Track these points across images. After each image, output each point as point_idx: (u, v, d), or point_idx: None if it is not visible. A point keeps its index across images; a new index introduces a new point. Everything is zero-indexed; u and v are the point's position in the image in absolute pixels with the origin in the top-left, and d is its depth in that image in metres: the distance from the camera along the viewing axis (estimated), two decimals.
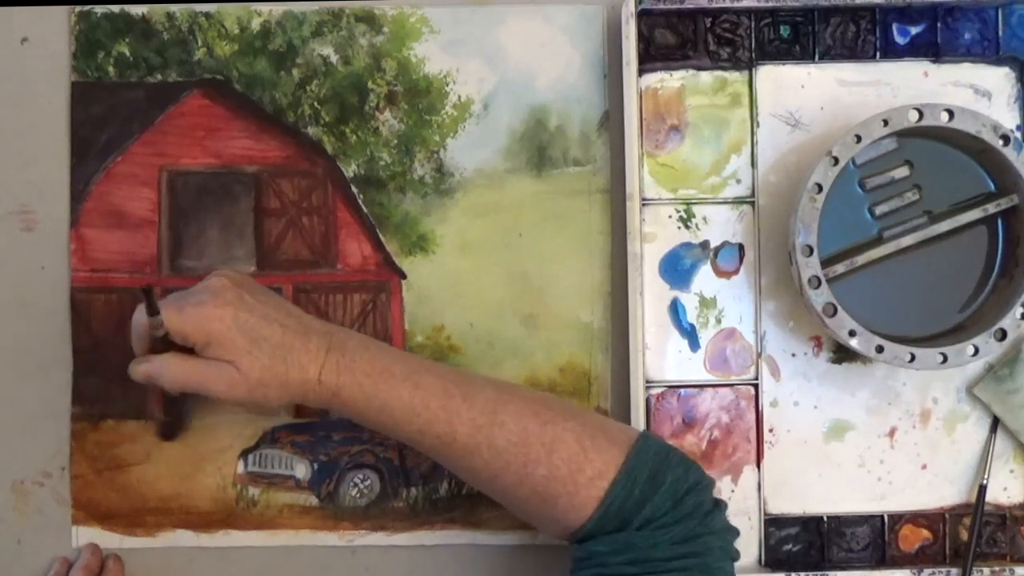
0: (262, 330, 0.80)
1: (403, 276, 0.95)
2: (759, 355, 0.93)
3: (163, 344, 0.81)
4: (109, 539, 0.94)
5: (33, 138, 0.94)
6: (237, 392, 0.80)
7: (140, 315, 0.82)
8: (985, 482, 0.92)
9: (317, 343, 0.81)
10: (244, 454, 0.94)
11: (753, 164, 0.93)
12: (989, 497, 0.93)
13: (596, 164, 0.95)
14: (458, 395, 0.81)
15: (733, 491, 0.93)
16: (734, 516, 0.87)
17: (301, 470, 0.94)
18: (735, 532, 0.81)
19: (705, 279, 0.94)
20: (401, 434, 0.82)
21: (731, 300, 0.94)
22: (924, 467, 0.93)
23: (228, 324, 0.80)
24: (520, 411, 0.80)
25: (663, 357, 0.93)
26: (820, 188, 0.85)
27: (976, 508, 0.92)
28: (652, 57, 0.93)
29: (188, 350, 0.81)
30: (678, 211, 0.93)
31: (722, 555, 0.79)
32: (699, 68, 0.93)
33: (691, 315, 0.94)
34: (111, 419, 0.94)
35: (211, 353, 0.80)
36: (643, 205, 0.93)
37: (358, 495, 0.94)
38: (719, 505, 0.80)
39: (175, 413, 0.93)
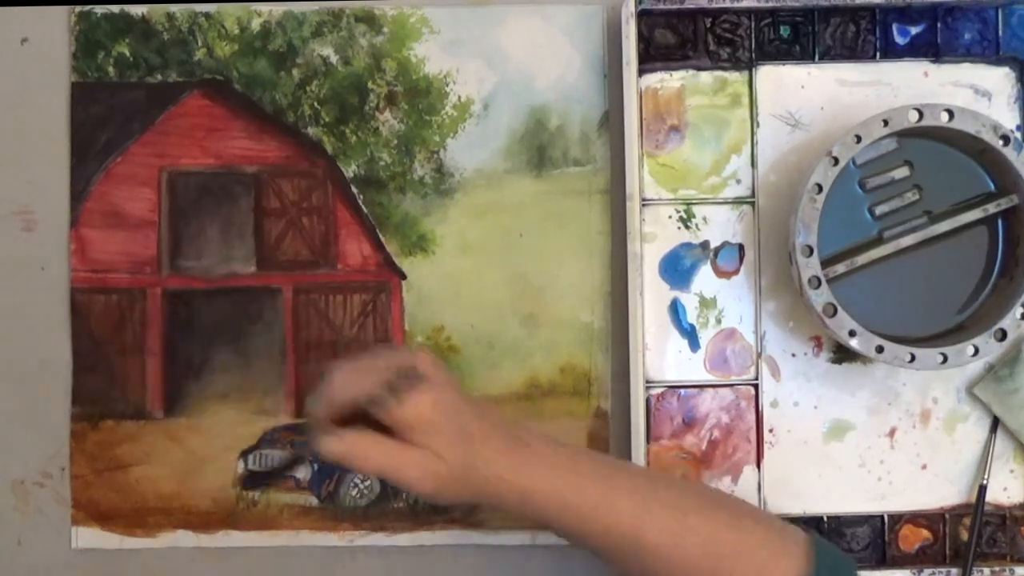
0: (469, 421, 0.77)
1: (403, 276, 0.95)
2: (759, 355, 0.93)
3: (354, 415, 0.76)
4: (109, 540, 0.94)
5: (33, 138, 0.94)
6: (425, 486, 0.75)
7: (349, 378, 0.76)
8: (985, 482, 0.92)
9: (505, 441, 0.78)
10: (244, 454, 0.94)
11: (753, 164, 0.93)
12: (989, 497, 0.92)
13: (596, 164, 0.95)
14: (647, 495, 0.79)
15: (733, 491, 0.93)
16: None
17: (301, 470, 0.94)
18: None
19: (705, 279, 0.94)
20: (587, 535, 0.79)
21: (731, 300, 0.94)
22: (924, 467, 0.93)
23: (443, 418, 0.75)
24: (709, 517, 0.78)
25: (663, 357, 0.93)
26: (820, 188, 0.85)
27: (976, 508, 0.92)
28: (652, 57, 0.93)
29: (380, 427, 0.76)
30: (678, 211, 0.93)
31: None
32: (699, 68, 0.93)
33: (691, 315, 0.94)
34: (111, 419, 0.94)
35: (414, 438, 0.75)
36: (643, 205, 0.93)
37: (358, 495, 0.94)
38: None
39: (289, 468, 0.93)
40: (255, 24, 0.94)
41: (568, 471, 0.78)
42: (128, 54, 0.94)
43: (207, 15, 0.94)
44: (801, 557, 0.77)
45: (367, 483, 0.94)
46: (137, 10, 0.94)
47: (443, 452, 0.75)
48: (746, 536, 0.78)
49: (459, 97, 0.95)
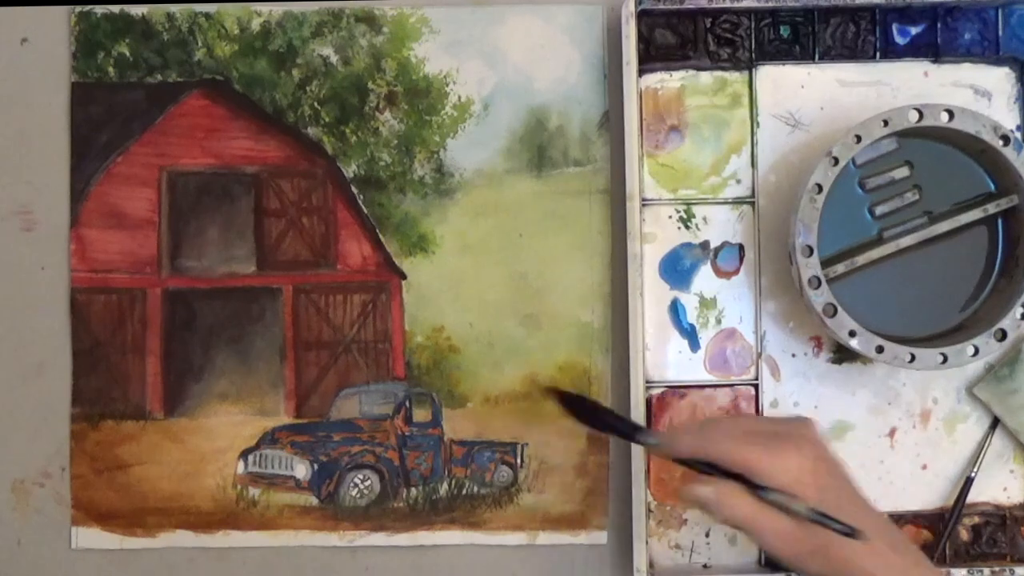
0: (841, 498, 0.75)
1: (403, 276, 0.95)
2: (759, 355, 0.93)
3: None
4: (109, 540, 0.94)
5: (33, 139, 0.94)
6: (787, 550, 0.74)
7: (729, 448, 0.74)
8: (973, 475, 0.92)
9: (880, 535, 0.75)
10: (244, 454, 0.94)
11: (753, 164, 0.93)
12: (989, 497, 0.93)
13: (596, 164, 0.95)
14: None
15: None
16: None
17: (301, 470, 0.94)
18: None
19: (705, 279, 0.94)
20: None
21: (731, 300, 0.94)
22: (924, 467, 0.93)
23: (814, 487, 0.73)
24: None
25: (663, 357, 0.93)
26: (820, 188, 0.85)
27: (959, 499, 0.92)
28: (652, 57, 0.93)
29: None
30: (678, 211, 0.93)
31: None
32: (699, 68, 0.93)
33: (691, 315, 0.94)
34: (111, 419, 0.94)
35: (776, 496, 0.74)
36: (643, 205, 0.93)
37: (358, 495, 0.94)
38: None
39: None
40: (255, 24, 0.94)
41: None
42: (128, 54, 0.94)
43: (207, 15, 0.94)
44: None
45: (367, 483, 0.94)
46: (137, 10, 0.94)
47: (809, 527, 0.73)
48: None
49: (459, 97, 0.95)
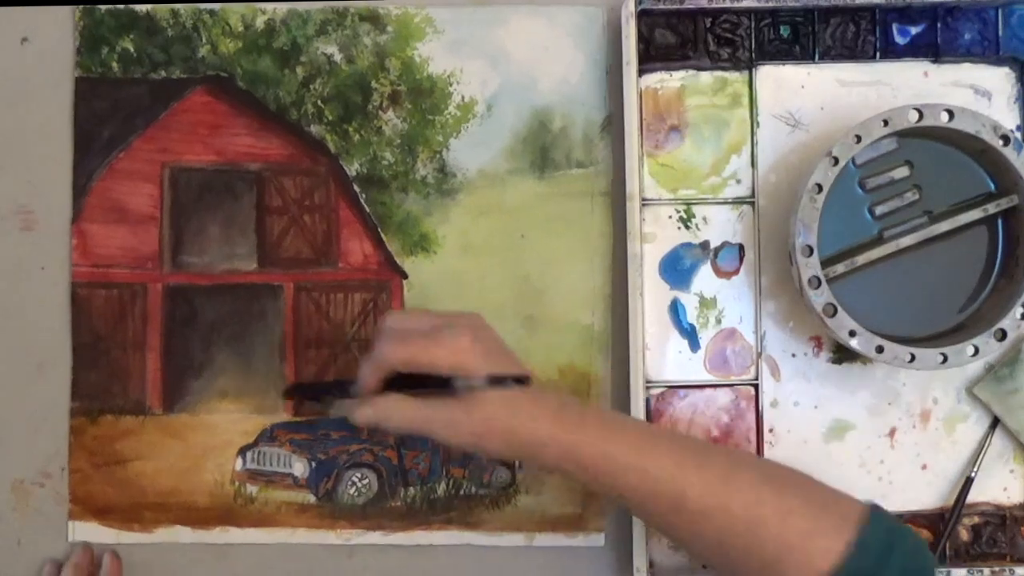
0: (501, 358, 0.79)
1: (404, 276, 0.95)
2: (759, 355, 0.93)
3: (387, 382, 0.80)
4: (106, 534, 0.94)
5: (34, 137, 0.95)
6: (461, 435, 0.78)
7: (397, 347, 0.79)
8: (973, 475, 0.92)
9: (549, 401, 0.80)
10: (242, 451, 0.94)
11: (753, 164, 0.94)
12: (989, 497, 0.93)
13: (598, 166, 0.95)
14: (693, 457, 0.79)
15: None
16: None
17: (299, 468, 0.94)
18: None
19: (705, 279, 0.94)
20: (632, 495, 0.79)
21: (731, 300, 0.94)
22: (924, 467, 0.93)
23: (480, 360, 0.78)
24: (753, 479, 0.78)
25: (663, 357, 0.93)
26: (820, 188, 0.85)
27: (959, 499, 0.92)
28: (652, 57, 0.93)
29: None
30: (678, 211, 0.94)
31: None
32: (699, 68, 0.94)
33: (691, 315, 0.93)
34: (110, 414, 0.94)
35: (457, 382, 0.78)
36: (643, 205, 0.93)
37: (356, 494, 0.94)
38: None
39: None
40: (259, 22, 0.95)
41: (616, 432, 0.79)
42: (132, 50, 0.95)
43: (211, 12, 0.95)
44: (850, 523, 0.76)
45: (365, 482, 0.94)
46: (141, 6, 0.95)
47: (475, 406, 0.77)
48: (792, 501, 0.77)
49: (462, 97, 0.95)
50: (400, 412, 0.79)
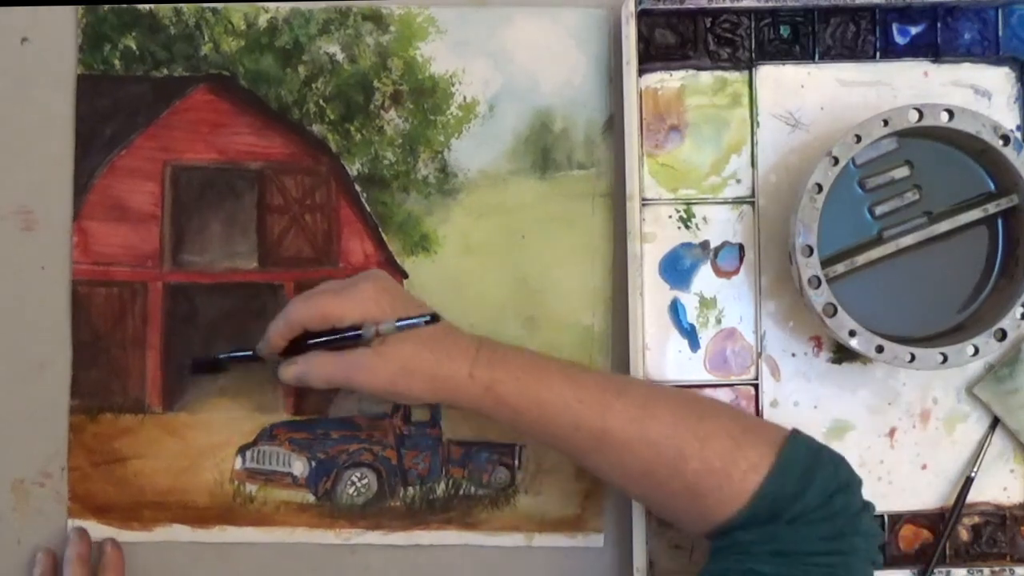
0: (407, 304, 0.83)
1: (405, 276, 0.95)
2: (759, 355, 0.93)
3: (296, 344, 0.84)
4: (105, 533, 0.94)
5: (34, 137, 0.95)
6: (379, 379, 0.81)
7: (305, 305, 0.83)
8: (973, 475, 0.92)
9: (468, 339, 0.83)
10: (242, 450, 0.94)
11: (753, 164, 0.94)
12: (989, 497, 0.93)
13: (600, 168, 0.95)
14: (612, 389, 0.81)
15: None
16: None
17: (298, 467, 0.94)
18: (880, 537, 0.80)
19: (705, 279, 0.94)
20: (555, 431, 0.81)
21: (731, 300, 0.94)
22: (924, 467, 0.93)
23: (385, 308, 0.81)
24: (673, 406, 0.80)
25: (663, 357, 0.93)
26: (820, 188, 0.85)
27: (959, 499, 0.92)
28: (652, 57, 0.94)
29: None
30: (678, 211, 0.94)
31: (865, 557, 0.78)
32: (699, 68, 0.94)
33: (691, 315, 0.93)
34: (109, 412, 0.94)
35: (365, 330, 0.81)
36: (643, 205, 0.93)
37: (355, 493, 0.94)
38: (867, 507, 0.80)
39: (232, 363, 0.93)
40: (262, 20, 0.95)
41: (536, 368, 0.81)
42: (134, 48, 0.95)
43: (214, 10, 0.95)
44: (770, 445, 0.78)
45: (364, 481, 0.94)
46: (144, 4, 0.95)
47: (388, 350, 0.80)
48: (712, 426, 0.79)
49: (464, 97, 0.95)
50: (321, 367, 0.82)
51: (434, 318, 0.78)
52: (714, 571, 0.78)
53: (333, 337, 0.82)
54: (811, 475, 0.77)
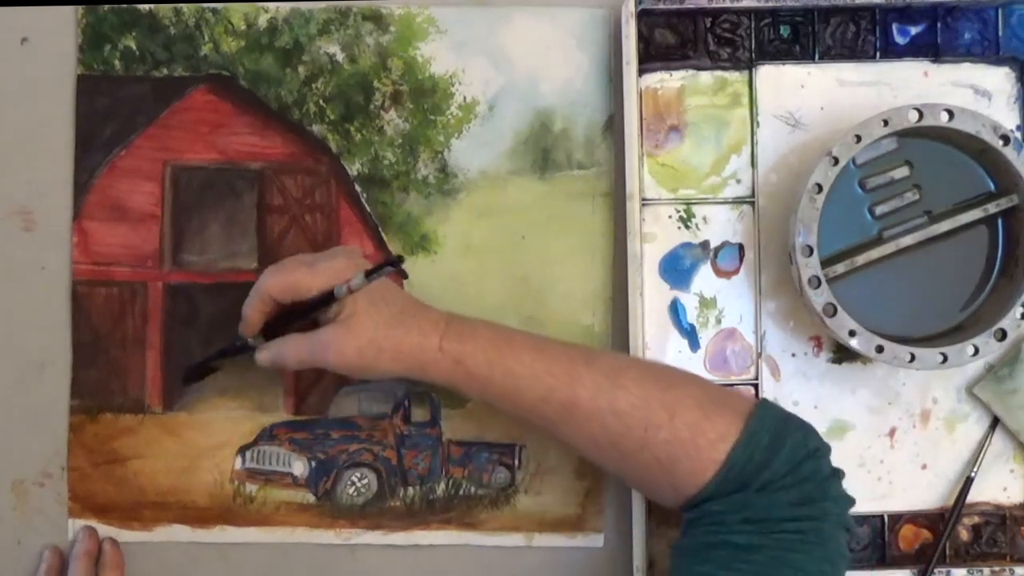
0: (384, 294, 0.83)
1: (405, 276, 0.95)
2: (759, 355, 0.93)
3: (273, 326, 0.85)
4: (105, 533, 0.94)
5: (34, 137, 0.95)
6: (348, 354, 0.81)
7: (276, 275, 0.83)
8: (973, 475, 0.92)
9: (437, 314, 0.84)
10: (242, 450, 0.94)
11: (753, 164, 0.94)
12: (989, 497, 0.93)
13: (600, 168, 0.95)
14: (580, 361, 0.81)
15: None
16: None
17: (298, 467, 0.94)
18: (851, 502, 0.80)
19: (705, 279, 0.94)
20: (523, 403, 0.81)
21: (731, 300, 0.94)
22: (924, 467, 0.93)
23: (351, 259, 0.83)
24: (641, 376, 0.80)
25: (663, 357, 0.93)
26: (820, 188, 0.85)
27: (959, 499, 0.92)
28: (652, 57, 0.94)
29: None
30: (678, 211, 0.94)
31: (836, 522, 0.78)
32: (699, 68, 0.94)
33: (691, 315, 0.94)
34: (109, 412, 0.94)
35: (330, 314, 0.82)
36: (643, 205, 0.93)
37: (355, 493, 0.94)
38: (836, 473, 0.80)
39: (221, 360, 0.93)
40: (262, 20, 0.95)
41: (504, 340, 0.82)
42: (135, 48, 0.95)
43: (214, 11, 0.95)
44: (738, 414, 0.78)
45: (364, 481, 0.94)
46: (144, 4, 0.95)
47: (358, 325, 0.81)
48: (680, 396, 0.79)
49: (464, 98, 0.95)
50: (293, 348, 0.83)
51: (400, 259, 0.78)
52: (688, 544, 0.79)
53: (306, 307, 0.82)
54: (779, 443, 0.77)
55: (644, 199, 0.93)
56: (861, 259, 0.88)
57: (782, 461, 0.76)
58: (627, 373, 0.80)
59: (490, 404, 0.83)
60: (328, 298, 0.81)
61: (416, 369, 0.82)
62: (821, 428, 0.91)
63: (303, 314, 0.83)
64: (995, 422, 0.92)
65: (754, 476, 0.76)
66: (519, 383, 0.81)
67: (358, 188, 0.95)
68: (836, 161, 0.86)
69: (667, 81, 0.94)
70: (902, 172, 0.89)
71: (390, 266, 0.77)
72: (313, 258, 0.84)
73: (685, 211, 0.94)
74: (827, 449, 0.80)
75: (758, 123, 0.94)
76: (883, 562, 0.92)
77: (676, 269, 0.94)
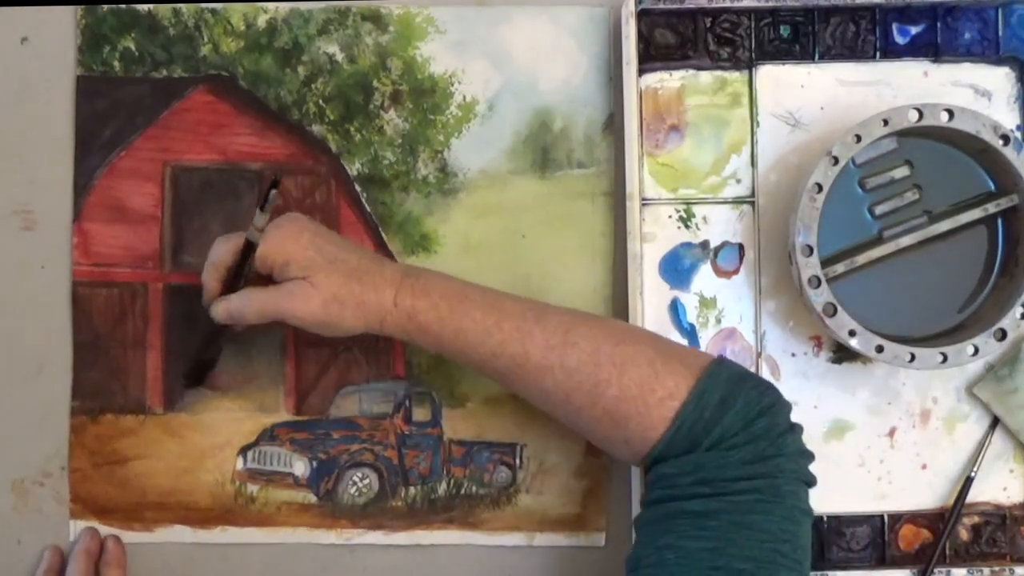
0: (339, 253, 0.83)
1: (276, 186, 0.94)
2: (759, 355, 0.93)
3: (234, 281, 0.85)
4: (107, 533, 0.94)
5: (34, 137, 0.95)
6: (312, 307, 0.81)
7: (223, 243, 0.85)
8: (973, 475, 0.92)
9: (392, 269, 0.84)
10: (243, 451, 0.94)
11: (753, 164, 0.94)
12: (989, 497, 0.93)
13: (600, 167, 0.95)
14: (531, 317, 0.82)
15: None
16: None
17: (300, 468, 0.94)
18: (810, 456, 0.79)
19: (705, 279, 0.94)
20: (475, 357, 0.82)
21: (731, 300, 0.94)
22: (924, 467, 0.93)
23: (305, 244, 0.82)
24: (593, 333, 0.81)
25: None
26: (820, 188, 0.85)
27: (959, 499, 0.92)
28: (652, 57, 0.94)
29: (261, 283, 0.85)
30: (678, 211, 0.94)
31: (793, 478, 0.77)
32: (699, 68, 0.94)
33: (691, 315, 0.94)
34: (110, 413, 0.94)
35: (288, 273, 0.82)
36: (643, 205, 0.93)
37: (356, 493, 0.94)
38: (793, 428, 0.79)
39: (211, 352, 0.93)
40: (261, 21, 0.95)
41: (457, 295, 0.83)
42: (134, 49, 0.95)
43: (213, 11, 0.95)
44: (689, 372, 0.78)
45: (365, 481, 0.94)
46: (143, 5, 0.95)
47: (313, 278, 0.81)
48: (632, 353, 0.79)
49: (464, 97, 0.95)
50: (252, 302, 0.83)
51: (277, 177, 0.80)
52: (648, 516, 0.79)
53: (240, 260, 0.84)
54: (731, 400, 0.77)
55: (644, 199, 0.93)
56: (861, 259, 0.88)
57: (733, 418, 0.76)
58: (578, 330, 0.81)
59: (446, 357, 0.85)
60: (250, 247, 0.83)
61: (375, 324, 0.83)
62: (821, 428, 0.93)
63: (239, 269, 0.84)
64: (995, 422, 0.92)
65: (704, 435, 0.76)
66: (470, 339, 0.82)
67: (358, 188, 0.95)
68: (836, 161, 0.85)
69: (667, 81, 0.94)
70: (902, 172, 0.89)
71: (273, 188, 0.80)
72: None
73: (685, 211, 0.94)
74: (785, 406, 0.80)
75: (758, 123, 0.94)
76: (883, 562, 0.92)
77: (676, 269, 0.94)
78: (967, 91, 0.93)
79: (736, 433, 0.76)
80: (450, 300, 0.82)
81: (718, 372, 0.78)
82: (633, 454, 0.80)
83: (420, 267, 0.86)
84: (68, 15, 0.95)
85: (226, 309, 0.84)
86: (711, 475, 0.75)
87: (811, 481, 0.79)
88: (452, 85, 0.95)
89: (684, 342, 0.93)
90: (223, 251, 0.84)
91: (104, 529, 0.94)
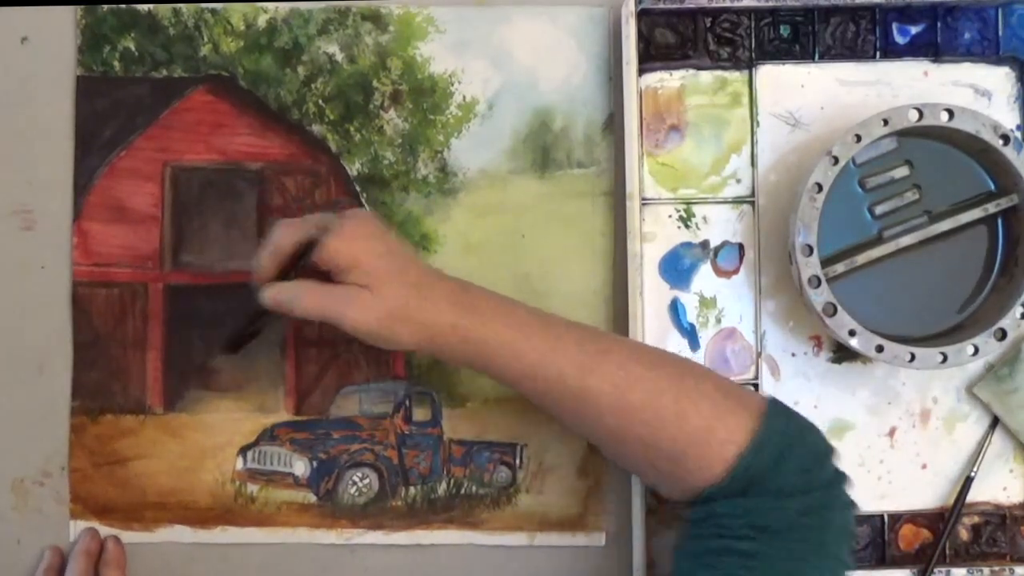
0: (404, 264, 0.81)
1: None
2: (759, 355, 0.93)
3: (292, 271, 0.82)
4: (107, 533, 0.94)
5: (34, 136, 0.95)
6: (368, 318, 0.78)
7: (287, 227, 0.82)
8: (973, 474, 0.92)
9: (449, 286, 0.82)
10: (243, 451, 0.94)
11: (753, 164, 0.94)
12: (989, 497, 0.93)
13: (600, 166, 0.95)
14: (593, 350, 0.80)
15: None
16: None
17: (300, 468, 0.94)
18: (854, 507, 0.79)
19: (705, 279, 0.94)
20: (533, 387, 0.80)
21: (731, 300, 0.94)
22: (924, 467, 0.93)
23: (380, 251, 0.80)
24: (655, 368, 0.79)
25: None
26: (820, 188, 0.85)
27: (959, 499, 0.92)
28: (652, 57, 0.94)
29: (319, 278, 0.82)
30: (678, 211, 0.94)
31: (839, 534, 0.77)
32: (699, 68, 0.94)
33: (691, 315, 0.94)
34: (110, 413, 0.94)
35: (351, 278, 0.79)
36: (643, 205, 0.93)
37: (357, 493, 0.94)
38: (842, 477, 0.79)
39: (259, 324, 0.90)
40: (261, 21, 0.95)
41: (518, 322, 0.81)
42: (134, 49, 0.95)
43: (213, 11, 0.95)
44: (749, 413, 0.77)
45: (365, 481, 0.94)
46: (143, 5, 0.95)
47: (378, 289, 0.78)
48: (692, 392, 0.78)
49: (464, 97, 0.95)
50: (308, 296, 0.80)
51: (338, 202, 0.82)
52: (692, 549, 0.78)
53: (296, 256, 0.82)
54: (789, 448, 0.76)
55: (644, 198, 0.93)
56: (861, 259, 0.88)
57: (791, 466, 0.76)
58: (641, 365, 0.79)
59: (499, 382, 0.82)
60: (308, 245, 0.80)
61: (428, 344, 0.80)
62: (821, 428, 0.91)
63: (297, 260, 0.82)
64: (995, 422, 0.92)
65: (763, 479, 0.76)
66: (528, 369, 0.79)
67: (358, 188, 0.95)
68: (836, 160, 0.85)
69: (667, 81, 0.94)
70: (902, 172, 0.89)
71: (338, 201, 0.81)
72: (325, 219, 0.82)
73: (685, 211, 0.94)
74: (832, 451, 0.80)
75: (758, 123, 0.94)
76: (883, 562, 0.92)
77: (676, 269, 0.94)
78: (967, 91, 0.93)
79: (793, 481, 0.76)
80: (513, 325, 0.80)
81: (776, 414, 0.78)
82: (687, 490, 0.79)
83: (477, 288, 0.83)
84: (68, 15, 0.95)
85: (275, 298, 0.82)
86: (764, 521, 0.75)
87: (854, 535, 0.81)
88: (452, 85, 0.95)
89: (684, 342, 0.93)
90: (286, 236, 0.82)
91: (104, 529, 0.94)
